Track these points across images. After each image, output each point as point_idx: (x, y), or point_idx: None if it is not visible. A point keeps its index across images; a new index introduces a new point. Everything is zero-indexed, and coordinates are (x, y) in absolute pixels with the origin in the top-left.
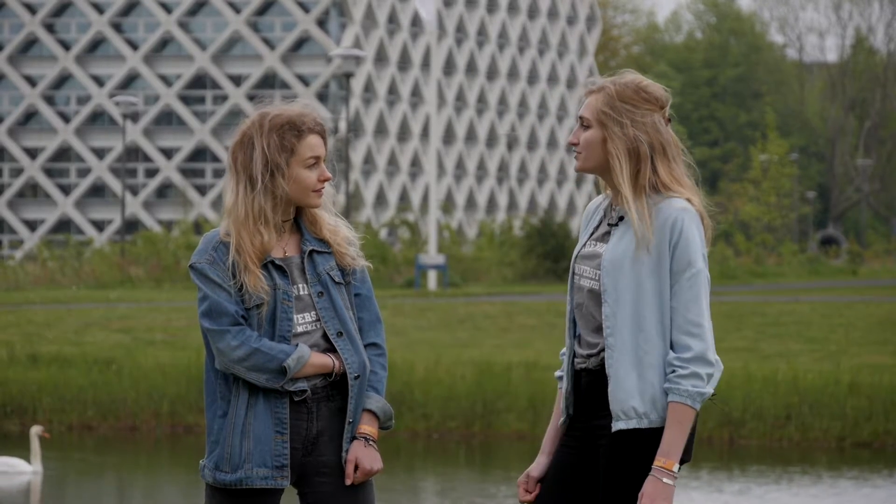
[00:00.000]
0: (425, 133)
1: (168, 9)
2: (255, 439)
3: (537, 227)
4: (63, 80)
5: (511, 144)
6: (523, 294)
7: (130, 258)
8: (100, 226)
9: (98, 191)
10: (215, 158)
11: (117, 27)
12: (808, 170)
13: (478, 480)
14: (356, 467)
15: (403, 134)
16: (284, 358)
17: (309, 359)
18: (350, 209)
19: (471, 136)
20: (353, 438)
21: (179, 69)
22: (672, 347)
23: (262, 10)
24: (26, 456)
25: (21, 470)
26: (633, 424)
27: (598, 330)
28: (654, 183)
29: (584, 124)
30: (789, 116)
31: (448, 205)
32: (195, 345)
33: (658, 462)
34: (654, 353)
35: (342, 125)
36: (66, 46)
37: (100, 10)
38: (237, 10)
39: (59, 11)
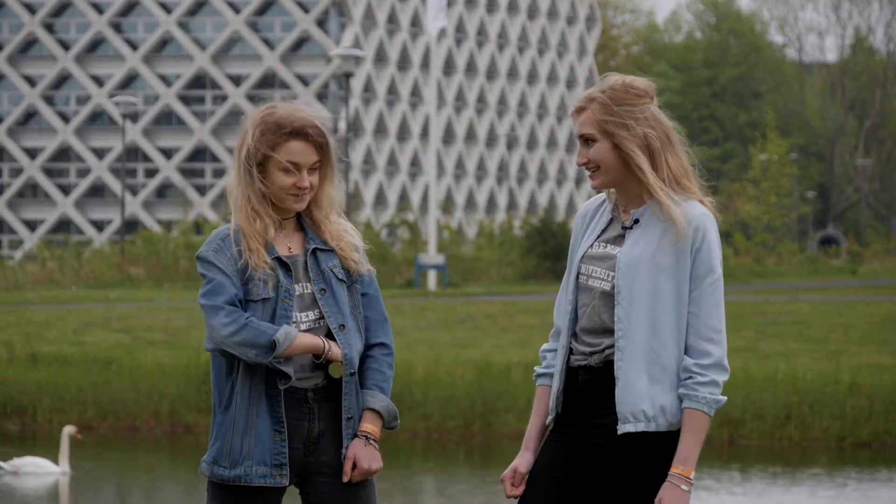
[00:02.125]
0: (425, 133)
1: (168, 9)
2: (256, 437)
3: (537, 227)
4: (63, 80)
5: (511, 144)
6: (523, 294)
7: (130, 258)
8: (99, 226)
9: (98, 191)
10: (215, 158)
11: (117, 27)
12: (807, 170)
13: (478, 480)
14: (355, 465)
15: (403, 134)
16: (273, 333)
17: (296, 337)
18: (350, 209)
19: (470, 135)
20: (354, 436)
21: (179, 69)
22: (687, 352)
23: (261, 10)
24: (47, 456)
25: (49, 471)
26: (641, 427)
27: (604, 332)
28: (668, 177)
29: (588, 140)
30: (789, 116)
31: (448, 205)
32: (195, 345)
33: (676, 469)
34: (668, 358)
35: (342, 125)
36: (65, 46)
37: (99, 10)
38: (237, 10)
39: (59, 11)
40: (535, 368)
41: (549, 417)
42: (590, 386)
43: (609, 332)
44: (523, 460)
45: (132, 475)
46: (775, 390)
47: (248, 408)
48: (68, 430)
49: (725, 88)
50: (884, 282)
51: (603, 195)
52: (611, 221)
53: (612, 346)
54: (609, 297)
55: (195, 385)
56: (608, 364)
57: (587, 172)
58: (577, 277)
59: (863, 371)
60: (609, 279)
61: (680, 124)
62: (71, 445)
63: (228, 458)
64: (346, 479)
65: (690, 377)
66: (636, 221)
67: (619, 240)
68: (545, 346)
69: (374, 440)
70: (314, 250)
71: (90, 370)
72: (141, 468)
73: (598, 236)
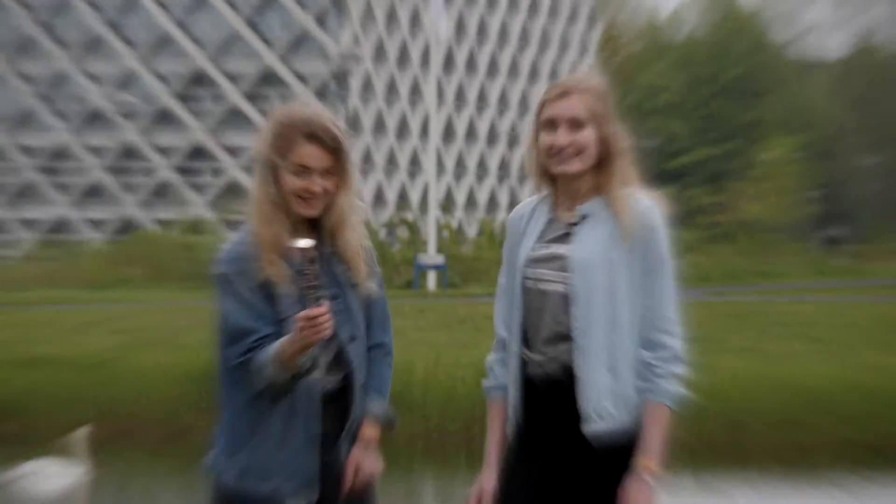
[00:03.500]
0: (424, 131)
1: (166, 7)
2: (290, 453)
3: None
4: (61, 78)
5: (512, 143)
6: None
7: (128, 258)
8: (97, 225)
9: (96, 191)
10: (213, 157)
11: (115, 26)
12: (811, 168)
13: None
14: (357, 471)
15: (402, 132)
16: (266, 372)
17: (275, 353)
18: None
19: (471, 134)
20: (353, 441)
21: (177, 67)
22: (644, 346)
23: (260, 9)
24: (51, 457)
25: (65, 473)
26: (605, 426)
27: (559, 337)
28: (625, 175)
29: (575, 124)
30: (791, 115)
31: (448, 204)
32: (194, 345)
33: (640, 462)
34: (628, 352)
35: (340, 123)
36: (63, 45)
37: (97, 8)
38: (235, 8)
39: (57, 11)
40: (484, 382)
41: (510, 428)
42: (552, 394)
43: (565, 337)
44: (488, 479)
45: (144, 477)
46: (779, 392)
47: (284, 422)
48: (83, 431)
49: (727, 87)
50: (888, 282)
51: (536, 198)
52: (549, 222)
53: (568, 351)
54: (564, 298)
55: (195, 385)
56: (567, 369)
57: (557, 156)
58: (524, 282)
59: (868, 372)
60: (562, 280)
61: (682, 123)
62: (87, 447)
63: (260, 472)
64: (347, 486)
65: (649, 370)
66: (583, 217)
67: (564, 238)
68: (491, 357)
69: (374, 445)
70: (329, 255)
71: (89, 371)
72: (149, 470)
73: (539, 238)
